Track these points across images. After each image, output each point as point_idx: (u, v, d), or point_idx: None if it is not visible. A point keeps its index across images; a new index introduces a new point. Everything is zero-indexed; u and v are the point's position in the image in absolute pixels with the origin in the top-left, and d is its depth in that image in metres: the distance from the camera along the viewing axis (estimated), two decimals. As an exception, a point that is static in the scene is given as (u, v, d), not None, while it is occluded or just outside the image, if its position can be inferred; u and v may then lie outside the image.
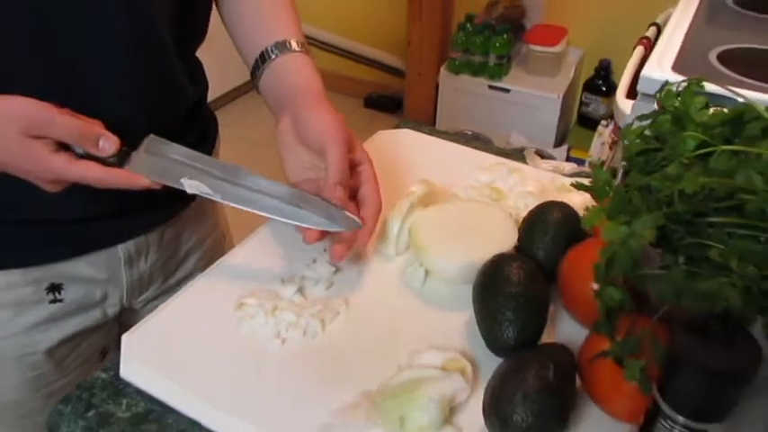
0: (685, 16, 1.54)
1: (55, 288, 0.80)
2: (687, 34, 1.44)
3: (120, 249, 0.82)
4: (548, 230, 0.66)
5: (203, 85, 0.90)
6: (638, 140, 0.57)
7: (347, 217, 0.65)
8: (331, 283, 0.68)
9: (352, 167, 0.70)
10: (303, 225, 0.65)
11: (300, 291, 0.66)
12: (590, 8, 2.61)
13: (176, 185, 0.66)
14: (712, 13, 1.60)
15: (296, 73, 0.79)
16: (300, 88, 0.77)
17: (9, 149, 0.61)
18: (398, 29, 2.88)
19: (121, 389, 0.57)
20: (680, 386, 0.42)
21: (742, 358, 0.41)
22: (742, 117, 0.51)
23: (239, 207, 0.66)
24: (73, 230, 0.78)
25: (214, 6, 0.86)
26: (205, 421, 0.54)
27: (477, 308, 0.60)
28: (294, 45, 0.80)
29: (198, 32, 0.85)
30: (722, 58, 1.32)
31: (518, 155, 0.91)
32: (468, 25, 2.64)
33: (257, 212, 0.66)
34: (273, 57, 0.80)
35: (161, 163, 0.68)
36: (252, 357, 0.59)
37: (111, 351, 0.92)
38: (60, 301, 0.81)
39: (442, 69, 2.70)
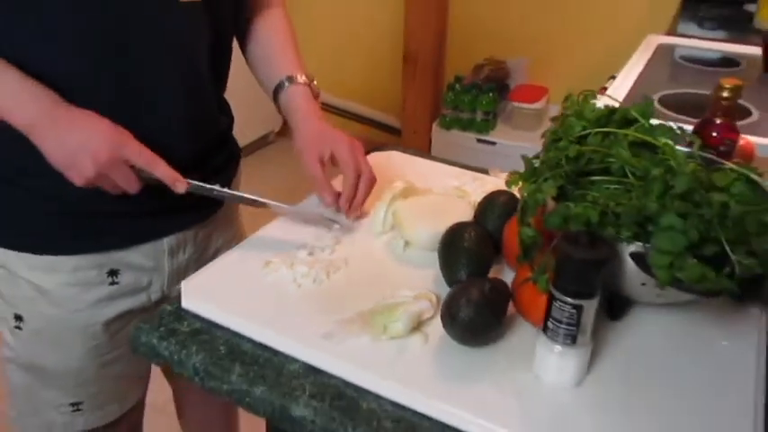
0: (636, 67, 1.81)
1: (113, 273, 1.01)
2: (636, 81, 1.71)
3: (165, 242, 1.05)
4: (494, 209, 0.89)
5: (230, 117, 1.15)
6: (552, 136, 0.80)
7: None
8: (333, 250, 0.90)
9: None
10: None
11: (311, 253, 0.88)
12: (568, 69, 2.90)
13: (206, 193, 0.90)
14: (660, 65, 1.88)
15: (296, 99, 1.07)
16: (298, 109, 1.06)
17: (92, 136, 0.83)
18: (394, 90, 3.16)
19: (182, 315, 0.79)
20: (564, 277, 0.64)
21: (599, 253, 0.63)
22: (613, 113, 0.75)
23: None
24: (130, 224, 1.00)
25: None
26: (243, 331, 0.76)
27: (441, 255, 0.82)
28: (297, 77, 1.08)
29: (225, 75, 1.10)
30: (662, 100, 1.58)
31: (483, 172, 1.15)
32: (458, 85, 2.93)
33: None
34: (286, 86, 1.06)
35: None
36: (276, 295, 0.81)
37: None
38: (117, 283, 1.02)
39: (435, 125, 2.97)
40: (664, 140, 0.70)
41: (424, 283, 0.83)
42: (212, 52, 0.99)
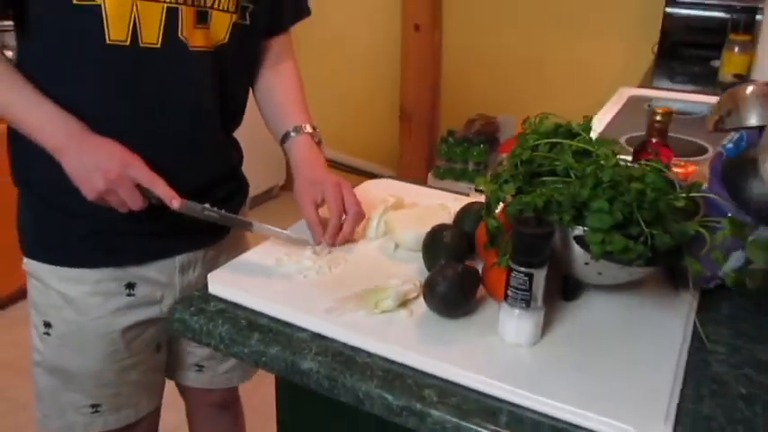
0: (608, 115, 2.01)
1: (131, 285, 1.17)
2: (606, 126, 1.90)
3: (177, 260, 1.21)
4: (470, 215, 1.06)
5: (240, 153, 1.32)
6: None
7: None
8: (333, 251, 1.07)
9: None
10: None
11: (315, 253, 1.05)
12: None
13: (197, 213, 1.05)
14: (630, 113, 2.08)
15: (300, 149, 1.23)
16: (299, 159, 1.22)
17: (104, 157, 0.98)
18: (391, 144, 3.38)
19: (209, 298, 0.95)
20: (518, 251, 0.81)
21: (543, 230, 0.80)
22: (560, 128, 0.93)
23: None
24: (146, 242, 1.16)
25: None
26: (259, 308, 0.92)
27: (424, 248, 0.99)
28: (304, 128, 1.24)
29: (237, 116, 1.27)
30: (628, 141, 1.77)
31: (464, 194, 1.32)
32: (451, 139, 3.14)
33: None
34: (292, 136, 1.23)
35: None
36: (286, 283, 0.97)
37: (162, 346, 1.29)
38: (133, 295, 1.18)
39: (429, 175, 3.17)
40: (599, 148, 0.88)
41: (410, 273, 1.00)
42: (222, 95, 1.17)
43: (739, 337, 0.91)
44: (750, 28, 2.42)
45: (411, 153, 3.31)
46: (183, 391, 1.44)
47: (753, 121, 0.79)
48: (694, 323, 0.91)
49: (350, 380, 0.80)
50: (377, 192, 1.24)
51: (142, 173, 1.00)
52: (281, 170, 3.82)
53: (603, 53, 3.01)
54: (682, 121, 2.01)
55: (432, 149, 3.29)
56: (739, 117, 0.82)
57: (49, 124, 1.00)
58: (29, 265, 1.15)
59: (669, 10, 2.81)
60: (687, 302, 0.95)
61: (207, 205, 1.05)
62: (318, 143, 1.24)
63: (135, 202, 1.00)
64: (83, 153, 0.99)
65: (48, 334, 1.16)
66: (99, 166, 0.97)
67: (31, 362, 1.20)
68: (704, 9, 2.73)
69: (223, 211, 1.07)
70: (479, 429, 0.74)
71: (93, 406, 1.21)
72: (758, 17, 2.43)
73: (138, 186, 1.00)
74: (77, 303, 1.13)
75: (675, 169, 1.06)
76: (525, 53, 3.19)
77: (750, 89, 0.85)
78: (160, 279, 1.19)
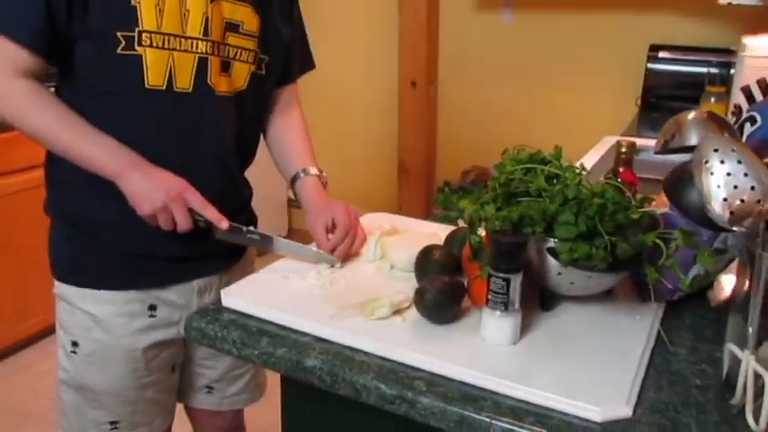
0: (591, 159, 2.15)
1: (152, 307, 1.28)
2: (592, 167, 2.03)
3: (195, 284, 1.32)
4: (458, 238, 1.18)
5: (250, 190, 1.44)
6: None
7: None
8: (335, 272, 1.18)
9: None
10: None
11: (318, 273, 1.16)
12: (543, 173, 3.25)
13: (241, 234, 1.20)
14: (611, 157, 2.20)
15: (308, 188, 1.37)
16: (309, 196, 1.36)
17: (165, 180, 1.13)
18: (390, 195, 3.51)
19: (222, 309, 1.06)
20: (496, 258, 0.92)
21: (518, 239, 0.91)
22: (533, 156, 1.05)
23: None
24: (168, 267, 1.28)
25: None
26: (267, 317, 1.02)
27: (416, 264, 1.10)
28: (311, 170, 1.38)
29: (250, 156, 1.41)
30: (607, 179, 1.89)
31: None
32: (447, 189, 3.26)
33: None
34: (301, 177, 1.37)
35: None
36: (292, 297, 1.08)
37: (177, 368, 1.39)
38: (155, 316, 1.29)
39: (427, 224, 3.29)
40: (566, 172, 1.00)
41: (404, 288, 1.10)
42: (239, 136, 1.31)
43: (699, 341, 1.01)
44: (725, 80, 2.58)
45: (409, 203, 3.44)
46: (192, 414, 1.53)
47: (692, 141, 0.91)
48: (659, 329, 1.02)
49: (349, 374, 0.91)
50: (374, 220, 1.35)
51: (197, 198, 1.15)
52: (283, 221, 3.96)
53: (590, 107, 3.17)
54: (661, 164, 2.14)
55: (429, 199, 3.43)
56: (681, 139, 0.94)
57: (110, 155, 1.13)
58: (59, 288, 1.26)
59: (651, 66, 2.99)
60: (653, 312, 1.06)
61: (251, 228, 1.22)
62: (324, 185, 1.37)
63: (184, 222, 1.13)
64: (146, 175, 1.12)
65: (75, 353, 1.26)
66: (161, 186, 1.11)
67: (57, 380, 1.30)
68: (683, 65, 2.91)
69: (261, 231, 1.22)
70: (463, 413, 0.83)
71: (112, 423, 1.30)
72: (731, 71, 2.59)
73: (189, 210, 1.14)
74: (104, 323, 1.23)
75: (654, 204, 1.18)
76: (516, 108, 3.36)
77: (691, 116, 0.97)
78: (179, 301, 1.29)
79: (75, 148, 1.14)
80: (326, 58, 3.68)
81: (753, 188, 0.78)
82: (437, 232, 1.32)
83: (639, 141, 2.45)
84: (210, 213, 1.16)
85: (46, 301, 2.77)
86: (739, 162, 0.79)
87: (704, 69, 2.78)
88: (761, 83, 1.17)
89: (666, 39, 3.00)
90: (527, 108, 3.33)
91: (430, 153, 3.51)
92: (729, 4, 1.43)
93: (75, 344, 1.26)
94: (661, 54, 2.97)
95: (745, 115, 1.03)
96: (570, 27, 3.22)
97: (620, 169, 1.17)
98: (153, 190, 1.11)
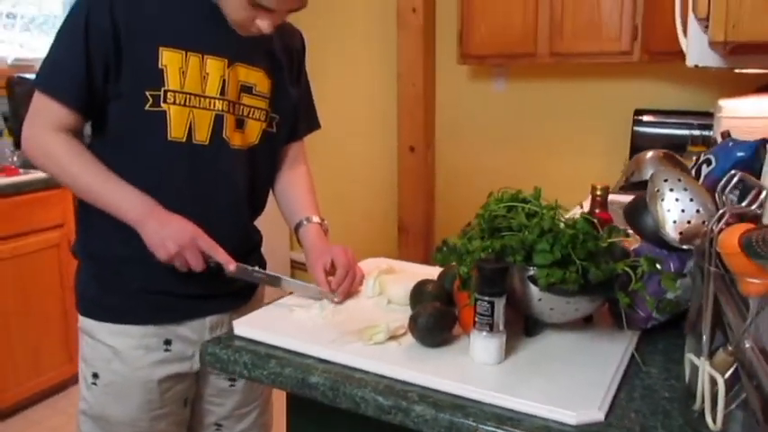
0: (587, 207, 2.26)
1: (168, 342, 1.38)
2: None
3: (208, 320, 1.42)
4: (450, 275, 1.28)
5: (260, 235, 1.56)
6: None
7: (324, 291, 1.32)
8: (337, 305, 1.28)
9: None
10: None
11: (321, 307, 1.26)
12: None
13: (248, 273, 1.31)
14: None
15: (311, 234, 1.49)
16: (311, 242, 1.47)
17: (178, 228, 1.25)
18: (390, 253, 3.61)
19: (234, 337, 1.16)
20: (481, 283, 1.03)
21: (500, 265, 1.02)
22: (515, 196, 1.18)
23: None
24: (183, 303, 1.38)
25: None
26: (275, 343, 1.12)
27: (411, 296, 1.21)
28: (313, 218, 1.50)
29: (260, 206, 1.54)
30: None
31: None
32: (445, 247, 3.38)
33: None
34: (305, 224, 1.49)
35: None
36: (297, 325, 1.18)
37: (189, 403, 1.47)
38: (170, 351, 1.39)
39: (426, 282, 3.39)
40: (543, 208, 1.12)
41: (400, 318, 1.20)
42: (250, 186, 1.44)
43: (670, 363, 1.10)
44: (706, 140, 2.73)
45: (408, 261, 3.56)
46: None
47: (649, 175, 1.03)
48: (633, 352, 1.11)
49: (349, 389, 1.00)
50: (373, 264, 1.47)
51: (207, 242, 1.26)
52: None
53: (580, 168, 3.32)
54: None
55: (428, 258, 3.54)
56: (640, 174, 1.06)
57: (130, 203, 1.27)
58: (83, 322, 1.37)
59: (636, 129, 3.16)
60: (628, 339, 1.16)
61: (256, 267, 1.34)
62: (325, 232, 1.49)
63: (197, 264, 1.25)
64: (161, 224, 1.25)
65: (95, 384, 1.35)
66: (173, 234, 1.24)
67: (78, 411, 1.38)
68: (666, 127, 3.07)
69: (267, 271, 1.32)
70: (452, 419, 0.93)
71: None
72: (711, 132, 2.75)
73: (201, 253, 1.25)
74: (123, 355, 1.33)
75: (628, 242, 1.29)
76: (510, 170, 3.51)
77: (649, 155, 1.10)
78: (192, 337, 1.39)
79: (102, 196, 1.28)
80: (329, 123, 3.87)
81: (698, 211, 0.89)
82: (432, 272, 1.43)
83: (623, 197, 2.59)
84: (220, 256, 1.28)
85: (57, 358, 2.90)
86: (685, 189, 0.90)
87: (686, 131, 2.95)
88: (724, 134, 1.30)
89: (650, 104, 3.17)
90: (520, 170, 3.48)
91: (428, 213, 3.65)
92: (696, 66, 1.58)
93: (95, 375, 1.35)
94: (645, 118, 3.13)
95: (702, 158, 1.15)
96: (560, 94, 3.41)
97: (597, 210, 1.29)
98: (168, 237, 1.24)
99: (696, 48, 1.64)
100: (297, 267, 4.06)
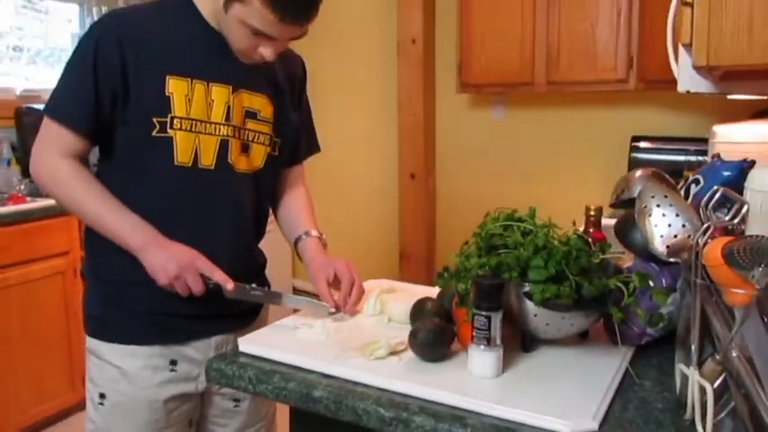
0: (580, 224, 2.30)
1: (174, 362, 1.41)
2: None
3: (213, 340, 1.45)
4: (449, 293, 1.32)
5: (264, 258, 1.60)
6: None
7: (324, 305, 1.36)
8: (339, 324, 1.32)
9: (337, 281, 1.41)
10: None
11: (324, 325, 1.30)
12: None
13: (246, 292, 1.35)
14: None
15: (310, 247, 1.53)
16: (312, 253, 1.51)
17: (178, 252, 1.29)
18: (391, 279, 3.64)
19: (239, 354, 1.19)
20: (478, 298, 1.06)
21: (496, 281, 1.06)
22: (513, 216, 1.22)
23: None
24: (189, 324, 1.41)
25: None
26: (279, 359, 1.16)
27: (411, 313, 1.24)
28: (312, 232, 1.54)
29: (264, 228, 1.58)
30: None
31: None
32: (446, 273, 3.41)
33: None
34: (304, 238, 1.53)
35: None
36: (300, 342, 1.21)
37: (194, 424, 1.50)
38: (175, 371, 1.41)
39: (427, 308, 3.42)
40: (539, 228, 1.16)
41: (400, 335, 1.24)
42: (255, 209, 1.48)
43: (663, 376, 1.13)
44: (702, 166, 2.78)
45: (410, 287, 3.60)
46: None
47: (637, 193, 1.07)
48: (627, 366, 1.14)
49: (351, 401, 1.03)
50: (374, 284, 1.50)
51: (205, 263, 1.30)
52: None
53: (579, 194, 3.36)
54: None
55: (429, 284, 3.57)
56: (629, 192, 1.11)
57: (133, 231, 1.31)
58: (91, 343, 1.40)
59: (633, 155, 3.21)
60: (623, 353, 1.19)
61: (254, 285, 1.36)
62: (324, 246, 1.53)
63: (197, 287, 1.29)
64: (161, 249, 1.29)
65: (102, 404, 1.38)
66: (173, 257, 1.28)
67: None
68: (663, 153, 3.12)
69: (266, 288, 1.36)
70: (451, 429, 0.96)
71: None
72: (706, 157, 2.80)
73: (201, 276, 1.29)
74: (130, 376, 1.36)
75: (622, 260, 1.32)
76: (508, 196, 3.54)
77: (638, 173, 1.14)
78: (197, 357, 1.42)
79: (106, 223, 1.32)
80: (331, 151, 3.93)
81: (684, 226, 0.93)
82: (431, 292, 1.46)
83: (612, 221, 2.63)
84: (218, 276, 1.31)
85: (60, 386, 2.92)
86: (671, 205, 0.95)
87: (683, 157, 3.00)
88: (713, 156, 1.35)
89: (647, 130, 3.23)
90: (519, 196, 3.52)
91: (429, 239, 3.69)
92: (688, 92, 1.63)
93: (102, 396, 1.38)
94: (642, 144, 3.19)
95: (691, 178, 1.19)
96: (558, 122, 3.47)
97: (591, 230, 1.33)
98: (168, 261, 1.27)
99: (687, 74, 1.69)
100: (299, 294, 4.09)
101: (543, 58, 3.11)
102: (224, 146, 1.37)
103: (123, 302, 1.37)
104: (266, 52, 1.31)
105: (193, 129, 1.33)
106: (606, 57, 3.00)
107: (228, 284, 1.31)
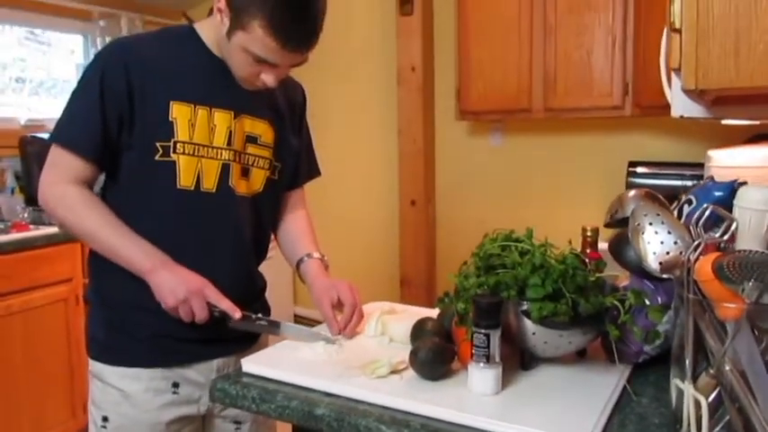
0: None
1: (176, 385, 1.42)
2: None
3: (215, 363, 1.47)
4: (449, 314, 1.34)
5: (264, 282, 1.62)
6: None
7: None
8: (341, 344, 1.34)
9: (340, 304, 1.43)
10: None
11: (326, 344, 1.32)
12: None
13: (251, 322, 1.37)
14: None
15: (312, 268, 1.55)
16: (314, 275, 1.53)
17: (188, 278, 1.31)
18: (393, 306, 3.66)
19: (243, 374, 1.21)
20: (477, 316, 1.09)
21: (495, 300, 1.08)
22: (510, 236, 1.24)
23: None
24: (191, 347, 1.43)
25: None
26: (282, 379, 1.17)
27: (411, 333, 1.26)
28: (314, 254, 1.56)
29: (264, 252, 1.60)
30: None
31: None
32: (446, 299, 3.43)
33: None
34: (306, 260, 1.55)
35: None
36: (303, 362, 1.23)
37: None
38: (177, 393, 1.43)
39: (428, 333, 3.43)
40: (536, 248, 1.19)
41: (401, 354, 1.26)
42: (255, 232, 1.50)
43: (661, 393, 1.14)
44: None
45: (411, 313, 3.62)
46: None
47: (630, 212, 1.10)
48: (625, 384, 1.16)
49: (353, 419, 1.05)
50: (375, 306, 1.53)
51: (214, 292, 1.32)
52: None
53: (577, 219, 3.38)
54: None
55: (429, 308, 3.59)
56: (623, 212, 1.13)
57: (144, 255, 1.33)
58: (94, 366, 1.41)
59: (631, 180, 3.24)
60: (620, 371, 1.21)
61: (259, 315, 1.39)
62: (326, 267, 1.55)
63: (202, 314, 1.30)
64: (171, 273, 1.31)
65: (104, 427, 1.39)
66: (183, 282, 1.29)
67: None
68: (659, 178, 3.15)
69: (270, 318, 1.40)
70: (451, 445, 0.97)
71: None
72: (702, 182, 2.83)
73: (207, 303, 1.31)
74: (133, 398, 1.37)
75: (619, 280, 1.34)
76: (507, 222, 3.52)
77: (631, 194, 1.17)
78: (199, 380, 1.43)
79: (114, 246, 1.34)
80: (332, 179, 3.97)
81: (676, 243, 0.95)
82: (432, 313, 1.48)
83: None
84: (225, 305, 1.32)
85: (62, 414, 2.92)
86: (663, 223, 0.97)
87: (679, 182, 3.04)
88: (707, 178, 1.38)
89: (644, 155, 3.27)
90: (518, 221, 3.52)
91: (430, 265, 3.71)
92: (682, 117, 1.66)
93: (105, 419, 1.39)
94: (639, 169, 3.22)
95: (684, 198, 1.22)
96: (555, 148, 3.51)
97: (587, 251, 1.35)
98: (177, 285, 1.29)
99: (680, 99, 1.73)
100: (301, 322, 4.10)
101: (540, 85, 3.16)
102: (225, 170, 1.40)
103: (127, 327, 1.39)
104: (268, 79, 1.34)
105: (196, 153, 1.36)
106: (602, 83, 3.05)
107: (236, 314, 1.33)
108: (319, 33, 1.31)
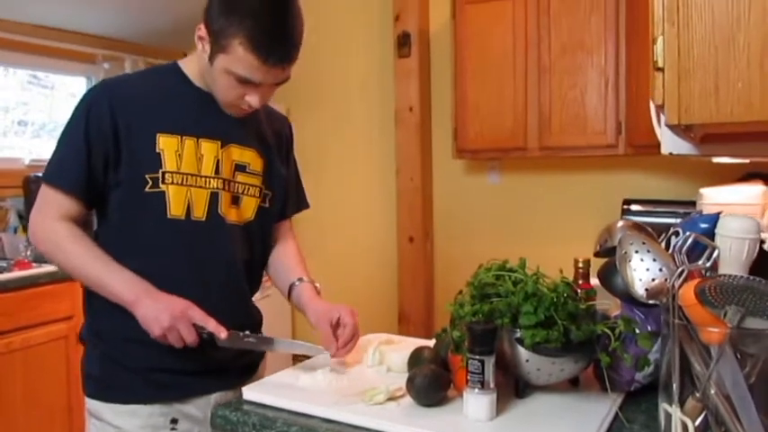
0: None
1: (174, 420, 1.43)
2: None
3: (213, 397, 1.48)
4: (445, 343, 1.37)
5: (260, 314, 1.61)
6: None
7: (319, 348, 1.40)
8: (340, 373, 1.37)
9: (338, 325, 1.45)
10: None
11: (325, 373, 1.35)
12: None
13: (239, 339, 1.38)
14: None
15: (305, 292, 1.57)
16: (307, 298, 1.55)
17: (170, 302, 1.32)
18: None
19: (244, 402, 1.24)
20: (472, 343, 1.12)
21: (488, 327, 1.12)
22: (504, 266, 1.28)
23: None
24: (188, 381, 1.43)
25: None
26: (282, 406, 1.20)
27: (409, 361, 1.29)
28: (305, 279, 1.59)
29: (257, 280, 1.62)
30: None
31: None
32: (444, 334, 3.45)
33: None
34: (297, 285, 1.58)
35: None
36: (303, 390, 1.26)
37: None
38: (176, 429, 1.43)
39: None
40: (529, 277, 1.23)
41: (398, 382, 1.28)
42: (247, 263, 1.52)
43: (651, 420, 1.17)
44: (690, 226, 2.85)
45: (409, 350, 3.62)
46: None
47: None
48: (617, 411, 1.19)
49: (352, 443, 1.08)
50: (374, 337, 1.56)
51: (198, 313, 1.33)
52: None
53: (572, 256, 3.43)
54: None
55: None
56: (612, 240, 1.18)
57: (125, 285, 1.34)
58: (90, 404, 1.42)
59: (626, 217, 3.28)
60: (612, 399, 1.23)
61: (247, 332, 1.39)
62: (318, 293, 1.58)
63: (190, 337, 1.31)
64: (153, 301, 1.32)
65: None
66: (166, 309, 1.30)
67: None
68: (653, 216, 3.20)
69: (259, 334, 1.40)
70: (447, 468, 1.00)
71: None
72: (696, 218, 2.88)
73: (194, 326, 1.32)
74: None
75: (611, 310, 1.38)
76: (504, 258, 3.62)
77: (619, 224, 1.22)
78: (198, 415, 1.44)
79: (98, 279, 1.36)
80: (330, 216, 4.02)
81: (661, 270, 1.00)
82: (428, 344, 1.51)
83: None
84: (211, 325, 1.33)
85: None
86: (648, 251, 1.01)
87: (672, 219, 3.08)
88: (695, 212, 1.42)
89: (638, 193, 3.32)
90: (515, 258, 3.59)
91: (428, 302, 3.73)
92: (671, 154, 1.72)
93: None
94: (633, 207, 3.27)
95: (671, 230, 1.27)
96: (551, 185, 3.57)
97: (580, 281, 1.39)
98: (160, 312, 1.30)
99: (669, 136, 1.79)
100: (299, 359, 4.10)
101: (536, 124, 3.23)
102: (214, 198, 1.42)
103: (122, 360, 1.40)
104: (253, 100, 1.37)
105: (185, 182, 1.39)
106: (596, 122, 3.12)
107: (222, 333, 1.32)
108: (299, 47, 1.34)
